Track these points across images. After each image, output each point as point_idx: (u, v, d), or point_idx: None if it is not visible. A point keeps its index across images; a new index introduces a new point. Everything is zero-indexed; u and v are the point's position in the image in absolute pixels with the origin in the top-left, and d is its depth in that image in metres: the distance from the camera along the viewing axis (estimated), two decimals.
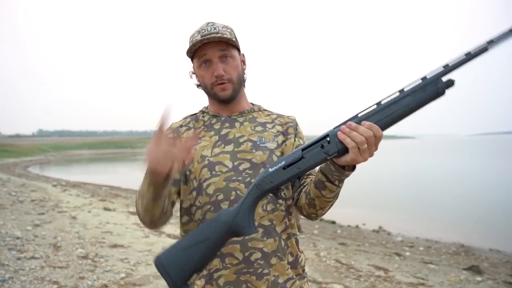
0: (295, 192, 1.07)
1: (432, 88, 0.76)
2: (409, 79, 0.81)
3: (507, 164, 24.88)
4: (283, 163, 0.86)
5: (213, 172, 1.01)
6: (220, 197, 0.99)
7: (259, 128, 1.09)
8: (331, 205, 0.99)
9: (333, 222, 8.45)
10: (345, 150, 0.81)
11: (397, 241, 6.80)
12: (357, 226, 8.12)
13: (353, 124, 0.80)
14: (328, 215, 8.80)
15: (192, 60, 1.12)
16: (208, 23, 1.06)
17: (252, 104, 1.18)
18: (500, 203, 10.66)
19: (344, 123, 0.82)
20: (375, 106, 0.81)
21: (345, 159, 0.82)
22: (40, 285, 3.15)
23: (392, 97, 0.80)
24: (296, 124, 1.14)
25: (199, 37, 1.03)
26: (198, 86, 1.16)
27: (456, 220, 8.73)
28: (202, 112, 1.16)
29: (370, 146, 0.80)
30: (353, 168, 0.87)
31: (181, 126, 1.12)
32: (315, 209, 0.99)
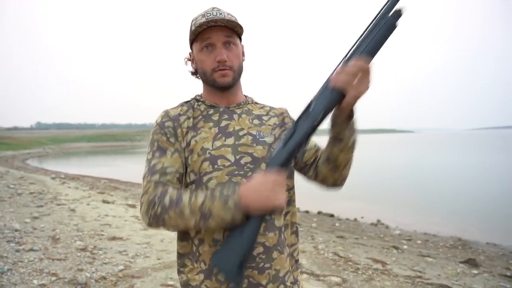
0: (310, 169, 1.08)
1: (384, 27, 0.84)
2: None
3: (503, 158, 24.97)
4: (281, 144, 0.95)
5: (215, 166, 0.98)
6: None
7: (256, 121, 1.08)
8: (352, 161, 1.03)
9: (332, 215, 8.48)
10: (331, 105, 0.90)
11: (395, 235, 6.83)
12: (355, 219, 8.15)
13: (338, 70, 0.88)
14: (326, 208, 8.83)
15: (191, 45, 1.08)
16: (213, 8, 1.03)
17: (245, 96, 1.16)
18: (496, 197, 10.71)
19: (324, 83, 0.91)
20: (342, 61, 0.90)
21: (348, 100, 0.87)
22: (39, 277, 3.15)
23: (354, 47, 0.88)
24: (289, 114, 1.16)
25: (204, 20, 0.99)
26: (193, 73, 1.12)
27: (454, 214, 8.78)
28: (197, 100, 1.11)
29: (363, 76, 0.85)
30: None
31: (179, 114, 1.06)
32: (339, 170, 1.02)
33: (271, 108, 1.16)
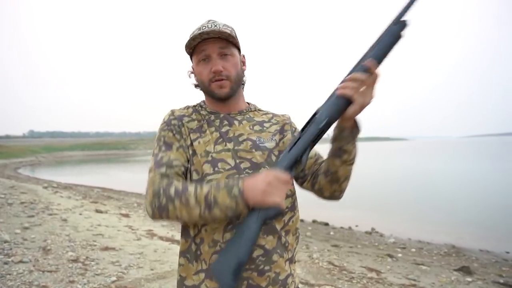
0: (309, 178, 1.10)
1: (389, 36, 0.88)
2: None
3: (497, 165, 25.23)
4: (287, 149, 0.99)
5: (216, 169, 1.01)
6: None
7: (257, 128, 1.11)
8: (351, 174, 1.05)
9: (326, 224, 8.47)
10: (336, 112, 0.93)
11: (389, 243, 6.84)
12: (350, 228, 8.16)
13: (345, 79, 0.92)
14: (321, 217, 8.82)
15: (191, 58, 1.11)
16: (209, 21, 1.06)
17: (248, 103, 1.18)
18: (490, 205, 10.80)
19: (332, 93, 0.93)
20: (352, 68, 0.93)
21: (354, 109, 0.90)
22: None
23: (362, 55, 0.92)
24: (291, 121, 1.17)
25: (198, 33, 1.02)
26: (196, 86, 1.15)
27: (448, 222, 8.82)
28: (200, 106, 1.15)
29: (369, 86, 0.89)
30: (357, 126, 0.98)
31: (184, 115, 1.10)
32: (338, 184, 1.04)
33: (274, 115, 1.18)
